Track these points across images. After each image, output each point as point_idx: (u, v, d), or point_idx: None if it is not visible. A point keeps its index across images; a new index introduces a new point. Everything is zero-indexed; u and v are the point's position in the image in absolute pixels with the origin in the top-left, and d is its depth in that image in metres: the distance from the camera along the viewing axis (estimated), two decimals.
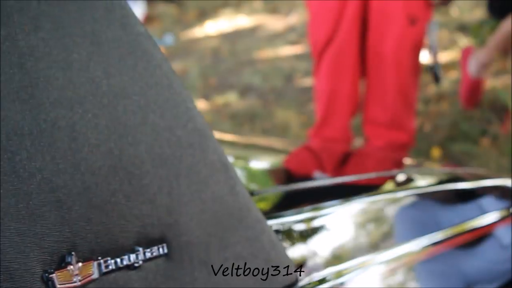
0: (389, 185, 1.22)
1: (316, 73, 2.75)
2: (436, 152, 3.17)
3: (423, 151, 3.16)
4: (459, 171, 1.60)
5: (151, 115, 0.65)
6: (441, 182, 1.25)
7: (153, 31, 5.33)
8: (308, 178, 1.26)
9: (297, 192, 1.05)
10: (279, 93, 4.11)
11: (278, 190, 1.07)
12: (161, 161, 0.65)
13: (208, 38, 5.35)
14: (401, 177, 1.27)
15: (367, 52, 2.62)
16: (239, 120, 3.80)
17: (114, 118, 0.61)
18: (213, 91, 4.30)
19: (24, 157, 0.54)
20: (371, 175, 1.26)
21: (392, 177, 1.26)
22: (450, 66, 4.00)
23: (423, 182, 1.26)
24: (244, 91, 4.22)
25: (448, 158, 3.14)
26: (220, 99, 4.14)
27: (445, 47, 4.23)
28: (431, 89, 3.76)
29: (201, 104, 4.02)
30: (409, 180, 1.27)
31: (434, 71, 2.72)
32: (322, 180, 1.21)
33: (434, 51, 2.70)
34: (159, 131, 0.65)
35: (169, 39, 5.35)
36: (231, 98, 4.13)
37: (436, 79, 2.73)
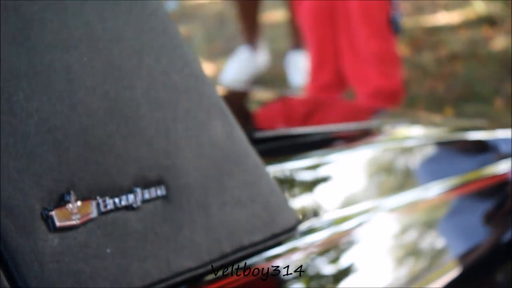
0: (397, 134, 1.22)
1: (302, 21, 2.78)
2: (449, 112, 3.17)
3: (436, 111, 3.15)
4: (472, 122, 1.60)
5: (147, 59, 0.66)
6: (453, 131, 1.25)
7: None
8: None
9: (299, 138, 1.06)
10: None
11: (280, 134, 1.08)
12: (158, 105, 0.66)
13: (212, 1, 5.31)
14: (408, 127, 1.27)
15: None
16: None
17: (109, 62, 0.62)
18: (218, 55, 4.28)
19: (21, 98, 0.55)
20: (375, 123, 1.26)
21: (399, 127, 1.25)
22: (462, 26, 3.95)
23: (432, 131, 1.25)
24: None
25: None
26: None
27: (458, 6, 4.19)
28: (444, 50, 3.74)
29: (206, 69, 4.00)
30: (416, 129, 1.26)
31: (393, 21, 2.68)
32: (327, 127, 1.21)
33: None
34: (155, 75, 0.66)
35: (172, 3, 5.31)
36: None
37: (395, 29, 2.69)
